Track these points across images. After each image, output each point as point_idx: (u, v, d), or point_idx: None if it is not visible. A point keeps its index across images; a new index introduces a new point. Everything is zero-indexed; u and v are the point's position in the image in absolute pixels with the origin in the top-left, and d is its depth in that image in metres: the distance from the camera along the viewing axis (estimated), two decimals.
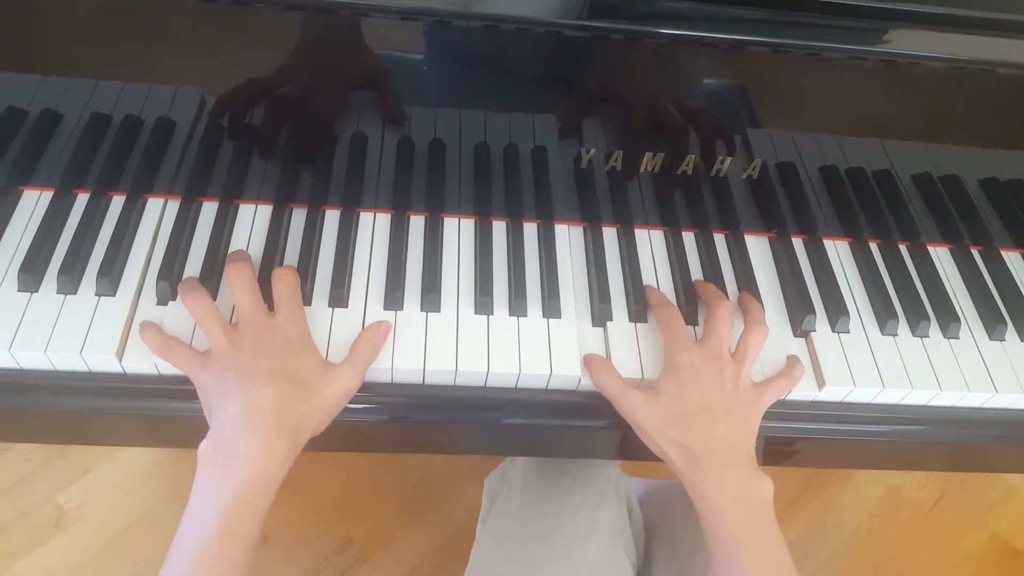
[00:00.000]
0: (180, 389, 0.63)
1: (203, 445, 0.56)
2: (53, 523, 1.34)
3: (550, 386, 0.67)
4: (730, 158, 0.71)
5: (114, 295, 0.65)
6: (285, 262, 0.70)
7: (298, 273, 0.66)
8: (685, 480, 0.61)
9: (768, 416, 0.66)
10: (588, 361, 0.66)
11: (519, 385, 0.67)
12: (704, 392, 0.62)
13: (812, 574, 1.47)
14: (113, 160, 0.70)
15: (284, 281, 0.64)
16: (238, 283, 0.62)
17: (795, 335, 0.72)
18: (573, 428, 0.71)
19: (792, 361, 0.69)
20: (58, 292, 0.65)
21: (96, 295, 0.65)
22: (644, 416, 0.62)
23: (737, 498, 0.59)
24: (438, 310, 0.68)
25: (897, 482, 1.63)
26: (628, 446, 0.72)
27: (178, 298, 0.64)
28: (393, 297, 0.67)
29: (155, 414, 0.66)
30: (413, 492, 1.46)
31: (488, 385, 0.67)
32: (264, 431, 0.55)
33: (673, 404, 0.62)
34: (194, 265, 0.68)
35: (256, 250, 0.70)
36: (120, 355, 0.62)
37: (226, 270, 0.64)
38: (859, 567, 1.50)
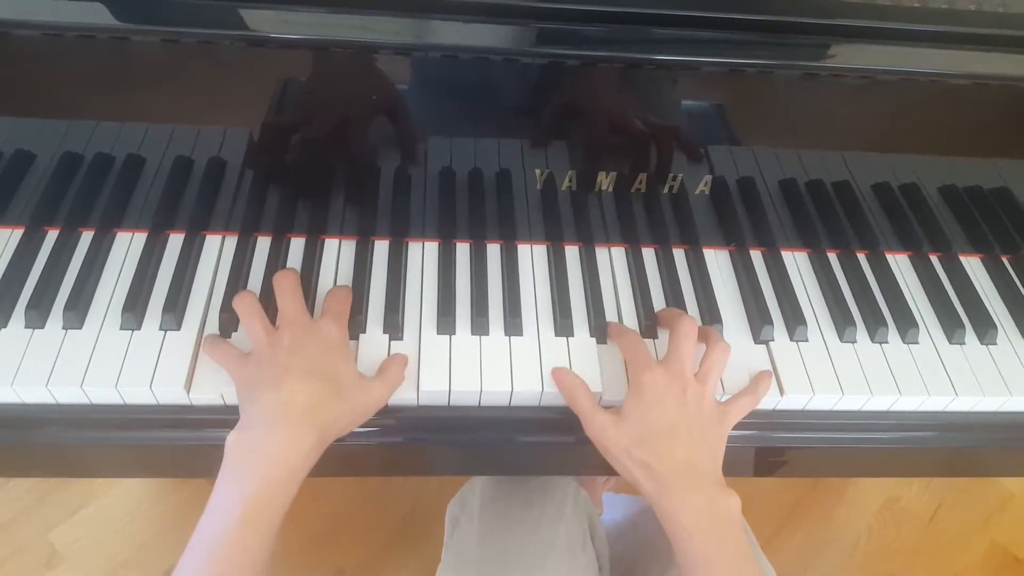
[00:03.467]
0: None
1: (231, 436, 0.57)
2: (44, 562, 1.35)
3: (512, 403, 0.68)
4: (681, 175, 0.72)
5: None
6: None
7: (351, 291, 0.69)
8: (652, 501, 0.61)
9: (744, 426, 0.67)
10: (558, 376, 0.67)
11: (482, 403, 0.68)
12: (668, 412, 0.62)
13: None
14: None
15: (333, 294, 0.68)
16: (282, 288, 0.65)
17: (756, 343, 0.73)
18: (539, 444, 0.71)
19: (758, 378, 0.69)
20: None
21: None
22: (609, 437, 0.63)
23: (704, 517, 0.59)
24: (400, 337, 0.69)
25: (895, 493, 1.63)
26: (595, 461, 0.72)
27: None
28: (356, 321, 0.69)
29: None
30: (404, 522, 1.46)
31: (452, 404, 0.68)
32: (292, 425, 0.57)
33: (637, 425, 0.62)
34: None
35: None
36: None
37: (273, 279, 0.67)
38: None
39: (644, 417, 0.62)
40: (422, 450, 0.71)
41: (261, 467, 0.55)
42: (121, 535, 1.40)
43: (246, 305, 0.64)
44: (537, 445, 0.71)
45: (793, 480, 1.60)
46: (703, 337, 0.69)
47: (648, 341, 0.71)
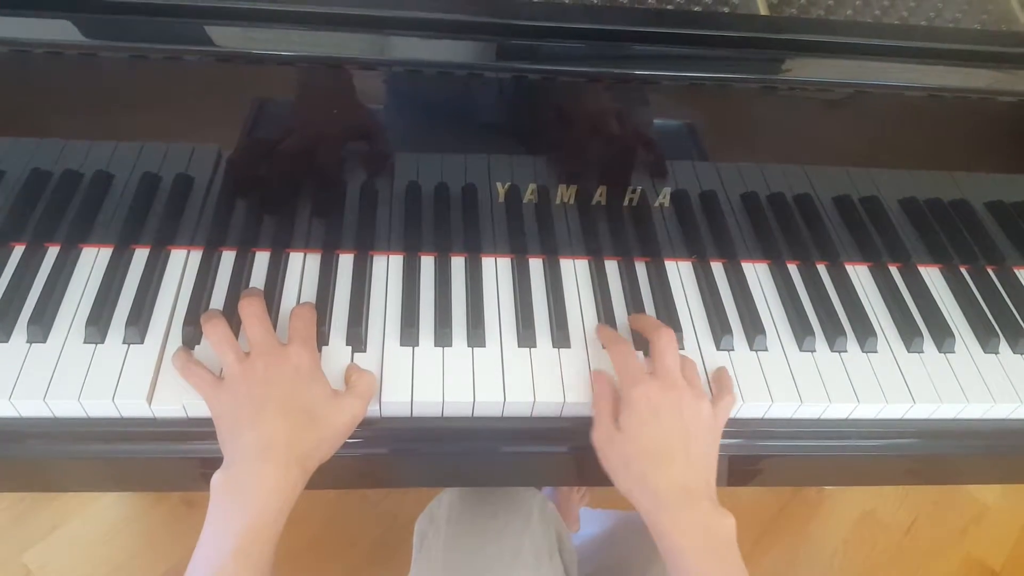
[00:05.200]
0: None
1: (216, 476, 0.58)
2: None
3: (476, 414, 0.69)
4: (641, 187, 0.73)
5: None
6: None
7: (314, 308, 0.69)
8: (646, 518, 0.61)
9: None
10: (596, 377, 0.68)
11: (445, 414, 0.68)
12: (663, 428, 0.62)
13: None
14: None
15: (298, 315, 0.67)
16: (248, 315, 0.65)
17: (717, 350, 0.74)
18: (505, 454, 0.72)
19: (721, 374, 0.70)
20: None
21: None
22: (608, 452, 0.64)
23: (698, 538, 0.59)
24: (364, 349, 0.70)
25: (871, 507, 1.63)
26: (562, 471, 0.73)
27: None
28: (320, 333, 0.69)
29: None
30: (380, 539, 1.46)
31: (414, 415, 0.68)
32: (276, 462, 0.57)
33: (632, 443, 0.62)
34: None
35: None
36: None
37: (239, 306, 0.66)
38: None
39: (640, 433, 0.62)
40: (387, 462, 0.72)
41: (249, 506, 0.56)
42: (96, 556, 1.39)
43: (217, 332, 0.64)
44: (503, 455, 0.71)
45: (769, 494, 1.61)
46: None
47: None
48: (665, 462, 0.61)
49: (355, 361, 0.68)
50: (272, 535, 0.57)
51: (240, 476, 0.57)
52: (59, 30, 0.61)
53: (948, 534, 1.61)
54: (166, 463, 0.69)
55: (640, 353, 0.71)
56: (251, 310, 0.65)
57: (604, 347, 0.71)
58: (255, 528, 0.55)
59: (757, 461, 0.77)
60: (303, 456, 0.59)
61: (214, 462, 0.68)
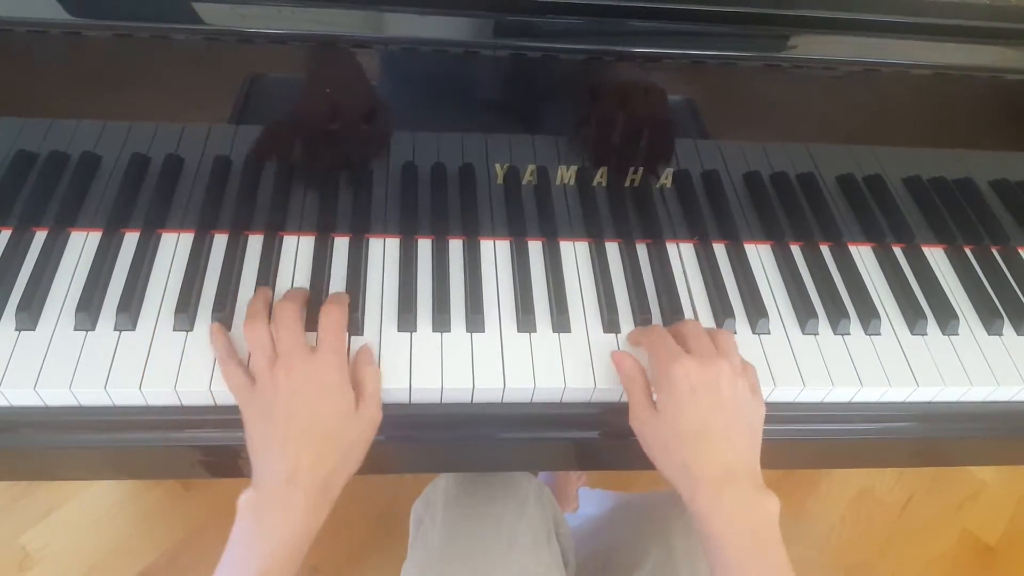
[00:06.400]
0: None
1: (244, 497, 0.57)
2: (16, 565, 1.33)
3: (475, 400, 0.68)
4: (642, 168, 0.72)
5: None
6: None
7: (346, 304, 0.67)
8: (688, 506, 0.59)
9: None
10: (618, 359, 0.66)
11: (444, 400, 0.67)
12: (702, 408, 0.59)
13: None
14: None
15: (327, 314, 0.64)
16: (281, 319, 0.63)
17: None
18: (504, 440, 0.71)
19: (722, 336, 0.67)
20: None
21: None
22: (647, 436, 0.62)
23: (736, 522, 0.57)
24: (360, 334, 0.69)
25: (867, 484, 1.64)
26: (561, 457, 0.72)
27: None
28: (314, 318, 0.68)
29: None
30: (378, 521, 1.46)
31: (412, 402, 0.67)
32: (304, 490, 0.57)
33: (671, 424, 0.60)
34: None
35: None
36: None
37: (275, 307, 0.64)
38: (832, 570, 1.50)
39: (678, 416, 0.60)
40: (385, 449, 0.71)
41: (275, 532, 0.56)
42: (93, 537, 1.39)
43: (255, 334, 0.62)
44: (502, 441, 0.70)
45: (766, 472, 1.61)
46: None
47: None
48: (705, 444, 0.59)
49: (352, 347, 0.67)
50: (296, 560, 0.57)
51: (267, 501, 0.57)
52: (43, 8, 0.60)
53: (944, 510, 1.62)
54: (161, 451, 0.68)
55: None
56: (286, 315, 0.63)
57: (637, 344, 0.69)
58: (281, 555, 0.56)
59: None
60: (328, 476, 0.59)
61: (210, 450, 0.68)
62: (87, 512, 1.42)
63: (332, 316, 0.64)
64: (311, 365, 0.60)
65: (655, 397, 0.63)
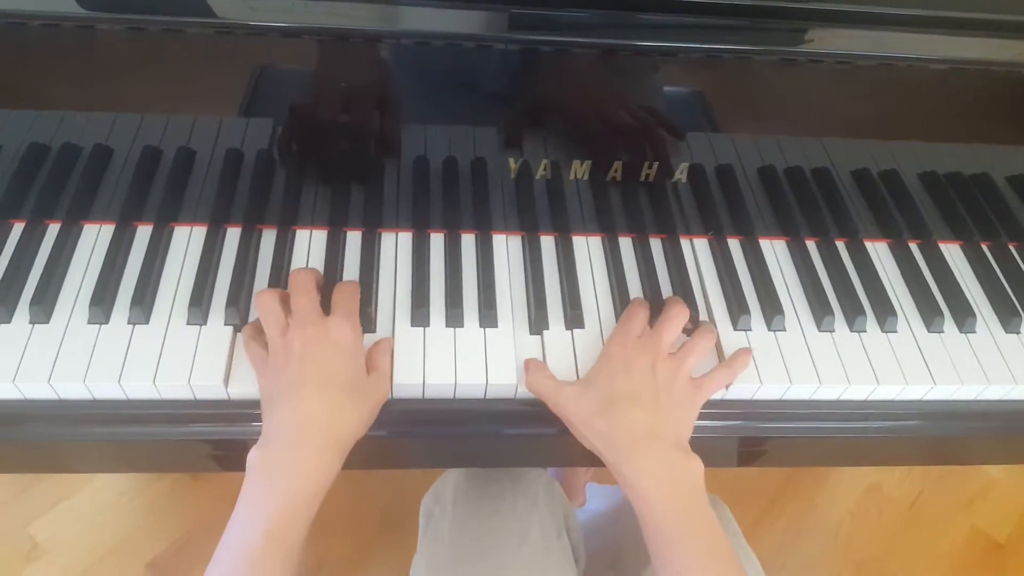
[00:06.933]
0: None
1: (252, 453, 0.57)
2: (24, 555, 1.34)
3: (488, 395, 0.67)
4: (657, 163, 0.71)
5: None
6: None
7: (358, 286, 0.67)
8: (614, 471, 0.60)
9: (725, 416, 0.67)
10: (524, 365, 0.67)
11: (457, 396, 0.67)
12: (632, 381, 0.61)
13: (794, 575, 1.47)
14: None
15: (341, 289, 0.65)
16: (297, 284, 0.63)
17: (734, 331, 0.72)
18: (516, 436, 0.71)
19: (736, 353, 0.68)
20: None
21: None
22: (573, 410, 0.62)
23: (664, 482, 0.58)
24: (374, 330, 0.68)
25: (876, 480, 1.63)
26: (574, 452, 0.72)
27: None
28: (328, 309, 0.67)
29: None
30: (384, 515, 1.46)
31: (426, 397, 0.67)
32: (314, 443, 0.56)
33: (600, 394, 0.61)
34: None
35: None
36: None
37: (291, 274, 0.65)
38: (841, 566, 1.50)
39: (608, 386, 0.61)
40: (397, 443, 0.71)
41: (284, 484, 0.55)
42: (102, 527, 1.39)
43: (264, 304, 0.62)
44: (514, 437, 0.70)
45: (776, 468, 1.61)
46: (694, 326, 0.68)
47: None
48: (628, 411, 0.60)
49: (366, 342, 0.67)
50: (306, 518, 0.56)
51: (276, 456, 0.56)
52: (56, 2, 0.59)
53: (953, 507, 1.61)
54: (174, 445, 0.68)
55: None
56: (301, 279, 0.64)
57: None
58: (289, 511, 0.55)
59: (769, 442, 0.76)
60: (342, 433, 0.58)
61: (224, 444, 0.68)
62: (96, 502, 1.43)
63: (346, 289, 0.65)
64: (324, 327, 0.61)
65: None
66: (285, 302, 0.63)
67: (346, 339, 0.61)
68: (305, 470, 0.56)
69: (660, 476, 0.58)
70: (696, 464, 0.59)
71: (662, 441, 0.59)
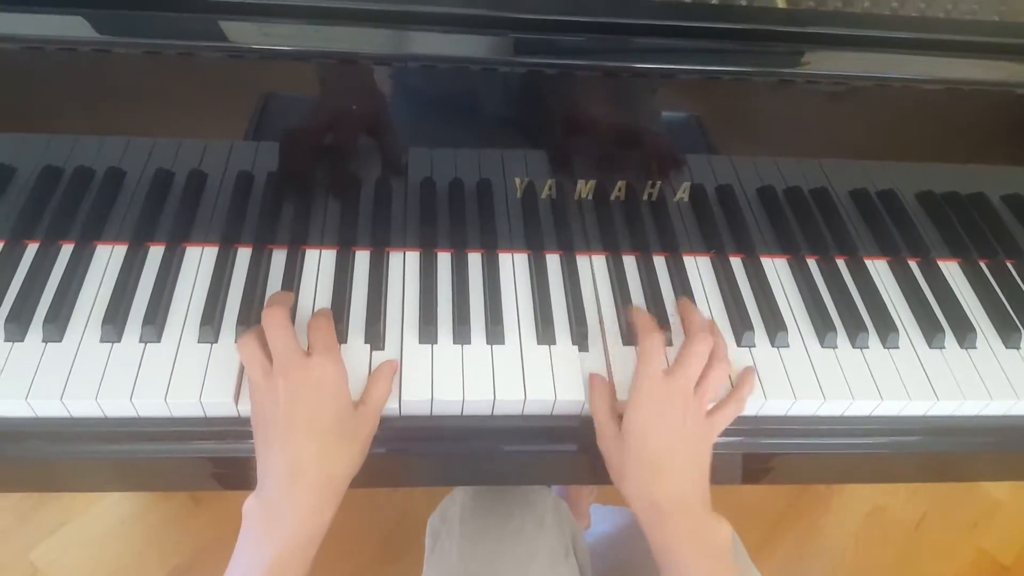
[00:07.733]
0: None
1: (248, 501, 0.58)
2: None
3: (495, 412, 0.68)
4: (660, 182, 0.73)
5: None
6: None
7: (331, 315, 0.67)
8: (644, 528, 0.62)
9: (730, 432, 0.68)
10: (592, 380, 0.67)
11: (465, 413, 0.68)
12: (665, 434, 0.62)
13: None
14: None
15: (315, 327, 0.65)
16: (271, 326, 0.62)
17: (739, 346, 0.73)
18: (523, 453, 0.71)
19: (742, 379, 0.69)
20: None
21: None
22: (609, 459, 0.64)
23: (695, 547, 0.60)
24: (382, 347, 0.69)
25: (881, 502, 1.63)
26: (580, 470, 0.72)
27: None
28: (337, 331, 0.68)
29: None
30: (390, 537, 1.45)
31: (434, 413, 0.68)
32: (306, 488, 0.57)
33: (634, 449, 0.62)
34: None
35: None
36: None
37: (263, 316, 0.63)
38: None
39: (641, 445, 0.62)
40: (405, 460, 0.71)
41: (280, 531, 0.56)
42: (103, 553, 1.39)
43: (247, 349, 0.62)
44: (521, 454, 0.71)
45: (779, 489, 1.61)
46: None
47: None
48: (664, 470, 0.61)
49: (374, 359, 0.68)
50: (304, 560, 0.57)
51: (271, 503, 0.57)
52: (72, 26, 0.61)
53: (958, 529, 1.61)
54: (183, 463, 0.69)
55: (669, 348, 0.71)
56: (273, 321, 0.62)
57: (634, 327, 0.69)
58: (286, 556, 0.56)
59: (773, 459, 0.76)
60: (332, 477, 0.59)
61: (231, 462, 0.68)
62: (97, 528, 1.42)
63: (319, 322, 0.65)
64: (306, 368, 0.61)
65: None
66: (264, 341, 0.63)
67: (328, 377, 0.61)
68: (300, 515, 0.57)
69: (691, 543, 0.60)
70: (725, 528, 0.61)
71: (691, 505, 0.61)
